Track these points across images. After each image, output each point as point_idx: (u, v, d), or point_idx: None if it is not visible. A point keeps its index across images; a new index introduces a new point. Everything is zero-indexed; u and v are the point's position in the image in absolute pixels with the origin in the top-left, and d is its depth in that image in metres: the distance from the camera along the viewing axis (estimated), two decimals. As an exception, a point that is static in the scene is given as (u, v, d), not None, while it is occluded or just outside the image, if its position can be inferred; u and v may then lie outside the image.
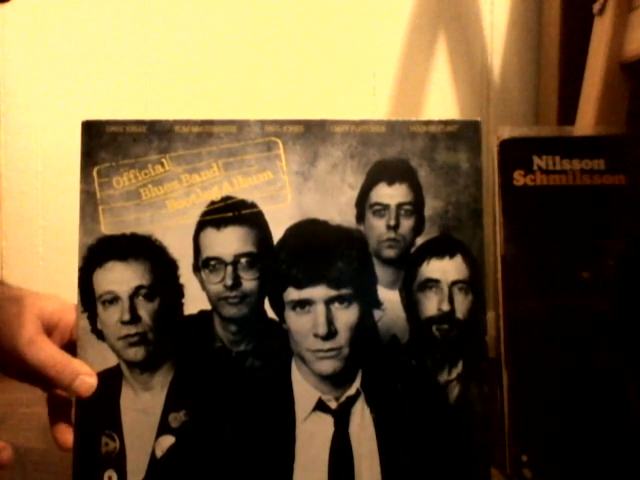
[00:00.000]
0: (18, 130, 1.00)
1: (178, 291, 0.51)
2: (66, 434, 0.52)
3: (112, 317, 0.50)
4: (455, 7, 0.99)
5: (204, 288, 0.51)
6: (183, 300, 0.51)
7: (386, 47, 1.00)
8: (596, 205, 0.63)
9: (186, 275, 0.51)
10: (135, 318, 0.50)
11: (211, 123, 0.52)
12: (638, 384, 0.58)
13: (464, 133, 0.53)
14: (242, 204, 0.52)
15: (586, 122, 0.73)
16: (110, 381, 0.50)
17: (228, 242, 0.51)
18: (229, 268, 0.51)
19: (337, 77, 1.00)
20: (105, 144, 0.52)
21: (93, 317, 0.51)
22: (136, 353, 0.51)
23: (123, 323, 0.50)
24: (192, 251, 0.51)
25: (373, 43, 1.00)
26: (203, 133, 0.52)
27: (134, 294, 0.51)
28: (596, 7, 0.74)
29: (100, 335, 0.51)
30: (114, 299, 0.51)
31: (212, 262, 0.51)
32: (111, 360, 0.51)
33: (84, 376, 0.50)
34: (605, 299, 0.61)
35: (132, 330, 0.50)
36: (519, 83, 1.00)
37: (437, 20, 0.99)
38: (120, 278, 0.51)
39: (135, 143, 0.52)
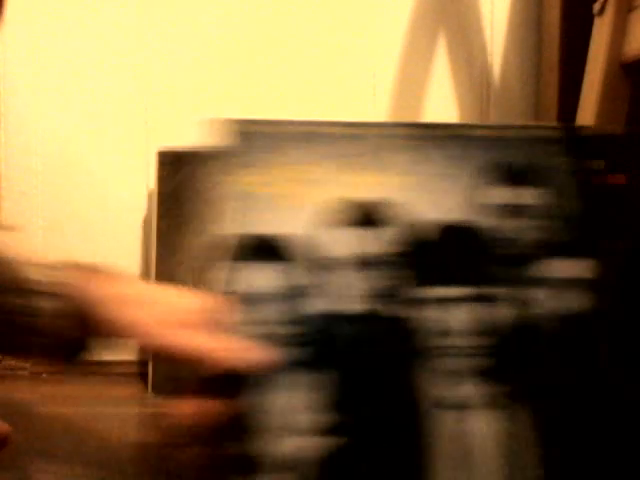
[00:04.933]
0: (18, 130, 1.01)
1: (332, 291, 0.51)
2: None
3: (263, 315, 0.50)
4: (455, 7, 0.99)
5: (341, 287, 0.51)
6: (327, 299, 0.51)
7: (386, 47, 1.00)
8: (596, 205, 0.63)
9: (330, 275, 0.51)
10: (288, 319, 0.50)
11: (341, 125, 0.54)
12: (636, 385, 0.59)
13: (570, 138, 0.55)
14: (374, 204, 0.53)
15: (586, 122, 0.73)
16: (244, 378, 0.50)
17: (364, 241, 0.52)
18: (365, 267, 0.52)
19: (337, 77, 1.00)
20: (244, 145, 0.53)
21: (243, 314, 0.50)
22: (293, 352, 0.50)
23: (277, 324, 0.50)
24: (334, 250, 0.52)
25: (373, 43, 1.00)
26: (331, 134, 0.54)
27: (283, 294, 0.50)
28: (596, 7, 0.74)
29: (251, 333, 0.50)
30: (262, 298, 0.50)
31: (348, 261, 0.51)
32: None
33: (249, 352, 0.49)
34: (606, 299, 0.61)
35: (284, 330, 0.50)
36: (519, 83, 1.00)
37: (437, 20, 0.99)
38: (267, 277, 0.50)
39: (274, 143, 0.53)
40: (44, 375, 0.97)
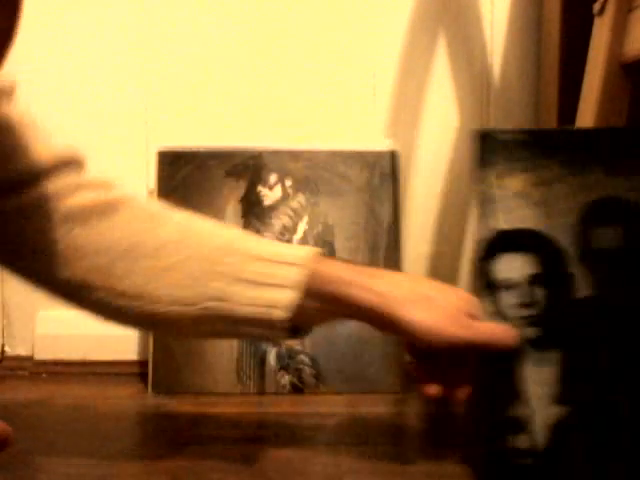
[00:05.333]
0: (18, 130, 1.00)
1: (569, 279, 0.59)
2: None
3: (511, 300, 0.59)
4: (455, 7, 0.99)
5: (590, 276, 0.59)
6: (572, 287, 0.59)
7: (386, 47, 1.00)
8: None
9: (575, 265, 0.59)
10: (532, 302, 0.59)
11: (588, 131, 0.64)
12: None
13: None
14: (622, 203, 0.60)
15: (586, 122, 0.73)
16: (513, 354, 0.58)
17: (613, 237, 0.60)
18: (611, 259, 0.59)
19: (337, 77, 1.00)
20: (498, 151, 0.61)
21: (494, 300, 0.60)
22: (534, 332, 0.58)
23: (521, 306, 0.59)
24: (578, 243, 0.59)
25: (373, 43, 1.00)
26: (576, 140, 0.62)
27: (530, 281, 0.59)
28: (596, 7, 0.74)
29: (501, 316, 0.59)
30: (512, 285, 0.59)
31: (599, 254, 0.59)
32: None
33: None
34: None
35: (530, 312, 0.59)
36: (519, 83, 1.00)
37: (437, 20, 0.99)
38: (517, 266, 0.60)
39: (524, 149, 0.61)
40: (44, 375, 0.97)
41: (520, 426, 0.57)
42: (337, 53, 1.00)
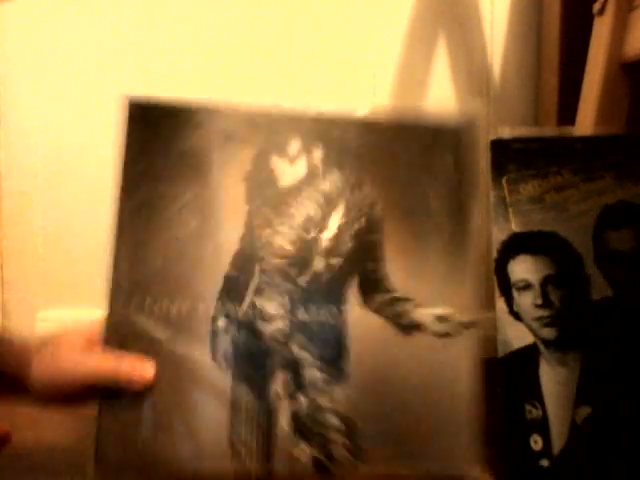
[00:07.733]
0: (18, 130, 1.01)
1: (584, 280, 0.60)
2: None
3: (526, 301, 0.60)
4: (455, 7, 0.99)
5: (605, 278, 0.60)
6: (589, 288, 0.59)
7: (386, 47, 1.00)
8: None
9: (590, 267, 0.60)
10: (547, 302, 0.59)
11: (598, 138, 0.65)
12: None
13: None
14: (634, 207, 0.61)
15: (586, 122, 0.73)
16: (529, 356, 0.59)
17: (626, 239, 0.61)
18: (626, 261, 0.60)
19: (337, 77, 1.00)
20: (511, 158, 0.63)
21: (509, 301, 0.60)
22: (549, 333, 0.59)
23: (536, 306, 0.59)
24: (592, 246, 0.60)
25: (373, 43, 1.00)
26: (587, 147, 0.63)
27: (544, 282, 0.60)
28: (596, 7, 0.74)
29: (517, 316, 0.60)
30: (527, 286, 0.60)
31: (613, 256, 0.60)
32: (528, 338, 0.59)
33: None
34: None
35: (544, 313, 0.59)
36: (519, 83, 1.00)
37: (437, 20, 0.99)
38: (531, 268, 0.60)
39: (536, 157, 0.62)
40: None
41: (537, 427, 0.57)
42: (337, 53, 1.00)
